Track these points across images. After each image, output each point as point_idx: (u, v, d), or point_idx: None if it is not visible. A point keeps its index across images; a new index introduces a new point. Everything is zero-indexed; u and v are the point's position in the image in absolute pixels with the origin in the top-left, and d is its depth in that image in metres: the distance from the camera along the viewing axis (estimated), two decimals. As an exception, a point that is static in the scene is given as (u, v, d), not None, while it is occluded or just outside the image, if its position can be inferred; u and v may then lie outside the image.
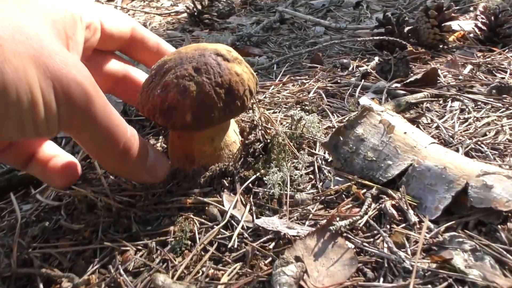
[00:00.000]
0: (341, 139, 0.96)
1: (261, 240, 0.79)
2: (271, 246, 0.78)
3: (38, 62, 0.59)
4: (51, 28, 0.66)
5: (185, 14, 2.58)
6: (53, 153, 0.84)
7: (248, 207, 0.87)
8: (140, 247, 0.80)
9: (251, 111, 1.09)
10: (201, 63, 0.84)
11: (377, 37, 1.65)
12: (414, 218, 0.80)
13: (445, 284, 0.67)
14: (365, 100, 1.13)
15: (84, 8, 0.76)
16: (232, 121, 0.96)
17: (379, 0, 2.51)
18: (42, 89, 0.60)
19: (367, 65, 1.54)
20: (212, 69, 0.84)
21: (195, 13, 2.40)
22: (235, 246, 0.78)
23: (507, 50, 1.60)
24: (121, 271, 0.75)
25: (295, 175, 0.93)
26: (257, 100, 1.14)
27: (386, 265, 0.72)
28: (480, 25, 1.74)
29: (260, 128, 1.03)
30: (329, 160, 0.99)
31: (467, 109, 1.19)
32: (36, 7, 0.65)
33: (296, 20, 2.27)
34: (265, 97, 1.34)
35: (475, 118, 1.13)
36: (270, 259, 0.75)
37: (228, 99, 0.83)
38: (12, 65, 0.57)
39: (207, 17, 2.38)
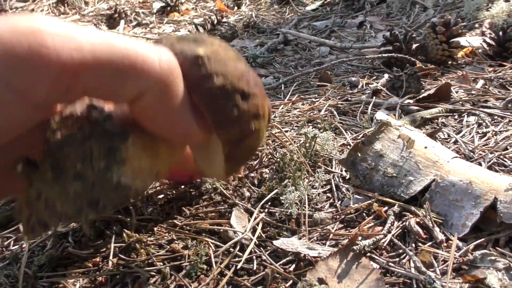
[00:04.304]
0: (359, 155, 0.92)
1: (281, 262, 0.75)
2: (291, 268, 0.74)
3: None
4: None
5: (188, 39, 2.56)
6: None
7: (264, 228, 0.83)
8: (153, 273, 0.76)
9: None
10: None
11: (386, 55, 1.63)
12: (440, 236, 0.76)
13: (482, 305, 0.63)
14: (381, 115, 1.10)
15: None
16: None
17: (382, 20, 2.50)
18: None
19: (377, 82, 1.51)
20: None
21: (198, 37, 2.38)
22: (254, 268, 0.74)
23: (517, 65, 1.57)
24: (134, 299, 0.71)
25: (313, 194, 0.89)
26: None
27: (415, 285, 0.68)
28: (488, 40, 1.72)
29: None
30: (347, 178, 0.95)
31: (484, 123, 1.15)
32: None
33: (300, 41, 2.25)
34: (275, 116, 1.30)
35: (493, 132, 1.10)
36: (291, 281, 0.71)
37: None
38: None
39: (211, 41, 2.36)
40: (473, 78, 1.49)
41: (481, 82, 1.45)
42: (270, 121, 0.61)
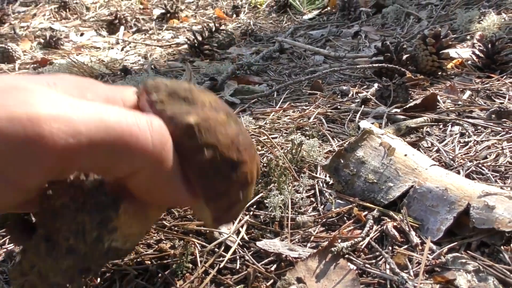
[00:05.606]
0: (342, 162, 0.96)
1: (263, 262, 0.79)
2: (272, 268, 0.77)
3: None
4: None
5: (185, 46, 2.61)
6: None
7: (249, 230, 0.87)
8: (141, 271, 0.79)
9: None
10: None
11: (376, 65, 1.67)
12: (416, 240, 0.80)
13: (449, 304, 0.67)
14: (365, 124, 1.14)
15: None
16: None
17: (377, 30, 2.54)
18: None
19: (367, 92, 1.55)
20: None
21: (196, 44, 2.43)
22: (237, 268, 0.78)
23: (505, 76, 1.61)
24: (122, 295, 0.74)
25: (296, 198, 0.93)
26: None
27: (388, 286, 0.71)
28: (477, 52, 1.76)
29: None
30: (330, 183, 0.99)
31: (467, 133, 1.19)
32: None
33: (296, 49, 2.30)
34: (265, 123, 1.34)
35: (475, 142, 1.14)
36: (272, 281, 0.75)
37: None
38: None
39: (208, 48, 2.41)
40: (461, 89, 1.53)
41: (468, 93, 1.49)
42: (259, 178, 0.62)
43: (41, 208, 0.52)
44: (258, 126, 1.29)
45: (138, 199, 0.54)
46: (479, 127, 1.23)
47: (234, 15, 3.44)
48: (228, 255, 0.80)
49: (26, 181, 0.41)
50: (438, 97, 1.42)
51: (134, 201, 0.53)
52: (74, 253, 0.50)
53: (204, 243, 0.84)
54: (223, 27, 2.74)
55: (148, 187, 0.51)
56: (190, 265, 0.79)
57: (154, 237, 0.87)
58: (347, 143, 1.01)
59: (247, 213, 0.91)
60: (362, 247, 0.80)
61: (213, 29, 2.58)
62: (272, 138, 1.21)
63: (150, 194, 0.53)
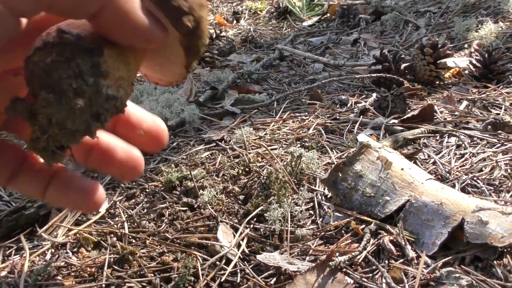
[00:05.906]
0: (340, 175, 0.98)
1: (263, 275, 0.81)
2: (272, 282, 0.80)
3: None
4: None
5: (186, 52, 2.63)
6: None
7: (249, 243, 0.89)
8: (144, 284, 0.82)
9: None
10: None
11: (375, 74, 1.69)
12: (411, 254, 0.82)
13: (443, 318, 0.69)
14: (363, 137, 1.16)
15: None
16: None
17: (376, 38, 2.56)
18: None
19: (365, 102, 1.58)
20: None
21: (196, 51, 2.45)
22: (238, 281, 0.80)
23: (501, 86, 1.63)
24: (126, 307, 0.77)
25: (296, 211, 0.95)
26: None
27: (385, 300, 0.74)
28: (474, 62, 1.79)
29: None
30: (328, 196, 1.01)
31: (463, 145, 1.22)
32: None
33: (295, 57, 2.32)
34: (265, 134, 1.37)
35: (471, 154, 1.16)
36: (271, 294, 0.77)
37: None
38: None
39: (208, 55, 2.43)
40: (458, 99, 1.55)
41: (464, 103, 1.51)
42: (208, 12, 0.70)
43: (31, 75, 0.55)
44: (258, 137, 1.32)
45: (115, 44, 0.57)
46: (475, 139, 1.25)
47: (235, 21, 3.46)
48: (229, 269, 0.83)
49: (20, 5, 0.45)
50: (436, 107, 1.44)
51: (113, 47, 0.57)
52: (81, 95, 0.53)
53: (206, 256, 0.86)
54: (223, 33, 2.76)
55: (118, 22, 0.54)
56: (192, 278, 0.81)
57: (157, 250, 0.89)
58: (345, 156, 1.03)
59: (247, 226, 0.93)
60: (359, 260, 0.82)
61: (214, 36, 2.60)
62: (272, 149, 1.23)
63: (122, 30, 0.55)
